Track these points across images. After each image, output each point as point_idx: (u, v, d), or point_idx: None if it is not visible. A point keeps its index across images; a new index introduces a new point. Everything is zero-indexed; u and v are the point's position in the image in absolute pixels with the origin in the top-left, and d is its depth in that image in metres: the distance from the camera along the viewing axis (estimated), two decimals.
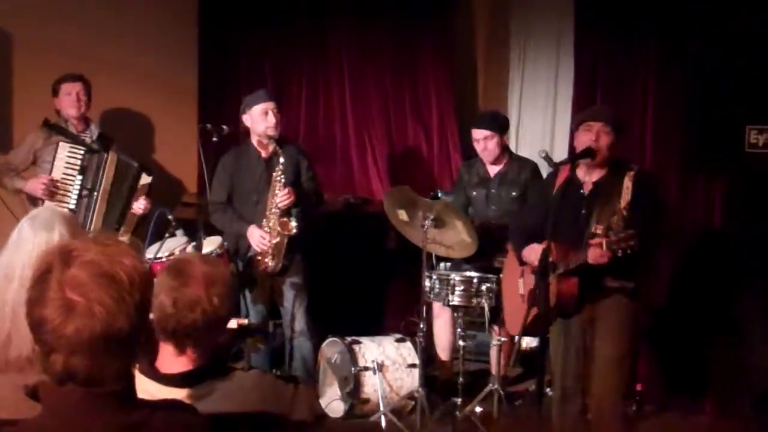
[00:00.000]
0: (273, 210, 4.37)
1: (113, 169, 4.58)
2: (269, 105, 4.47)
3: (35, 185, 4.44)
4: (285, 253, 4.40)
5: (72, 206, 4.47)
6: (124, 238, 4.49)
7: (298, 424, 1.92)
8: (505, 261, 4.17)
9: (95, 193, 4.53)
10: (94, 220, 4.52)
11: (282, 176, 4.36)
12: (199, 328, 1.86)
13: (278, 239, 4.37)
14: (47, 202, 4.31)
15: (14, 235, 2.15)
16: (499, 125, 4.66)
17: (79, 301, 1.35)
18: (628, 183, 3.56)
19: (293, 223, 4.33)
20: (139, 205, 4.60)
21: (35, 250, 2.10)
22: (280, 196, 4.34)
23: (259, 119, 4.46)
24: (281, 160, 4.36)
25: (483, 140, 4.58)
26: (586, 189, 3.65)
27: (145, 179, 4.67)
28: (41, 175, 4.48)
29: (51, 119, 4.60)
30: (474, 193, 4.73)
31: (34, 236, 2.12)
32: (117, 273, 1.38)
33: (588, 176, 3.66)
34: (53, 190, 4.44)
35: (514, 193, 4.60)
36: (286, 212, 4.37)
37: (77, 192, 4.52)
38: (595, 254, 3.42)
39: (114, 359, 1.38)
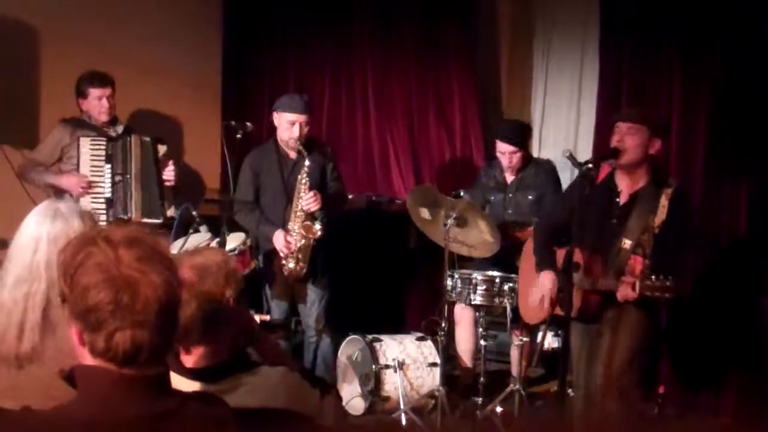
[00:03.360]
0: (298, 213, 4.37)
1: (139, 151, 4.60)
2: (300, 117, 4.41)
3: (72, 184, 4.45)
4: (309, 257, 4.39)
5: (108, 195, 4.51)
6: (170, 211, 4.55)
7: (322, 428, 1.92)
8: (524, 251, 4.12)
9: (128, 177, 4.56)
10: (133, 203, 4.55)
11: (307, 179, 4.34)
12: (186, 329, 1.83)
13: (303, 242, 4.36)
14: (52, 199, 4.31)
15: (19, 232, 2.18)
16: (525, 139, 4.67)
17: (137, 277, 1.38)
18: (664, 201, 3.49)
19: (317, 227, 4.31)
20: (170, 174, 4.64)
21: (24, 233, 2.13)
22: (306, 200, 4.33)
23: (285, 126, 4.44)
24: (307, 163, 4.34)
25: (509, 154, 4.57)
26: (623, 199, 3.59)
27: (162, 149, 4.69)
28: (75, 173, 4.49)
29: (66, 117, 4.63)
30: (492, 197, 4.72)
31: (29, 221, 2.16)
32: (158, 246, 1.44)
33: (625, 184, 3.59)
34: (87, 189, 4.48)
35: (530, 197, 4.58)
36: (310, 216, 4.36)
37: (110, 180, 4.55)
38: (625, 293, 3.40)
39: (170, 333, 1.42)
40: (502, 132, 4.70)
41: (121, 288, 1.37)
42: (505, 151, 4.58)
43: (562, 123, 5.71)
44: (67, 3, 5.17)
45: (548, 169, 4.65)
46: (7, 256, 2.18)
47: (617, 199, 3.59)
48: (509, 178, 4.67)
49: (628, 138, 3.52)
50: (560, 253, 3.68)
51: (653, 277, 3.33)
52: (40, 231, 2.13)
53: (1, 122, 4.87)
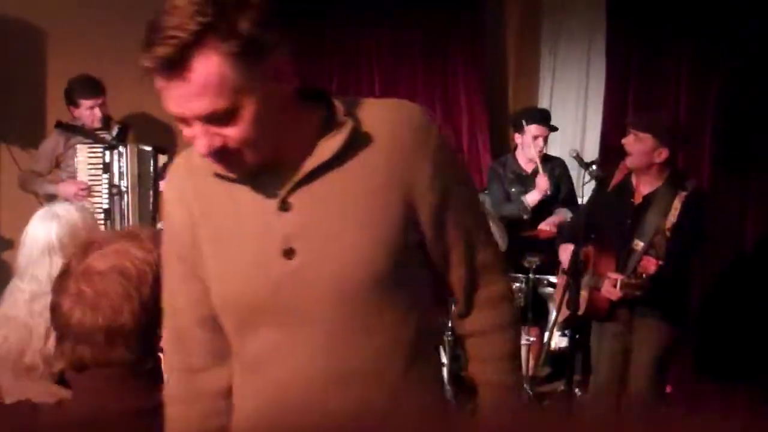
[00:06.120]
0: None
1: (135, 161, 4.58)
2: None
3: (69, 192, 4.44)
4: None
5: (105, 205, 4.50)
6: (161, 224, 4.53)
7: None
8: None
9: (124, 188, 4.56)
10: (130, 214, 4.55)
11: None
12: None
13: None
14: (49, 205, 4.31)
15: (26, 242, 2.18)
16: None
17: (87, 293, 1.38)
18: (677, 204, 3.46)
19: None
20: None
21: (33, 246, 2.12)
22: None
23: None
24: None
25: (542, 138, 4.65)
26: (637, 199, 3.58)
27: (162, 159, 4.66)
28: (72, 180, 4.49)
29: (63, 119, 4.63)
30: (512, 189, 4.74)
31: (34, 232, 2.16)
32: (127, 267, 1.39)
33: (641, 185, 3.59)
34: (86, 195, 4.47)
35: (548, 192, 4.61)
36: None
37: (107, 190, 4.54)
38: (607, 289, 3.42)
39: (119, 350, 1.39)
40: (536, 116, 4.75)
41: (71, 299, 1.38)
42: (539, 134, 4.64)
43: (569, 122, 5.70)
44: (73, 5, 5.17)
45: (562, 163, 4.74)
46: (19, 269, 2.15)
47: (631, 200, 3.58)
48: (529, 168, 4.70)
49: (633, 144, 3.52)
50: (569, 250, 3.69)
51: (632, 277, 3.34)
52: (51, 240, 2.12)
53: (9, 123, 4.88)
